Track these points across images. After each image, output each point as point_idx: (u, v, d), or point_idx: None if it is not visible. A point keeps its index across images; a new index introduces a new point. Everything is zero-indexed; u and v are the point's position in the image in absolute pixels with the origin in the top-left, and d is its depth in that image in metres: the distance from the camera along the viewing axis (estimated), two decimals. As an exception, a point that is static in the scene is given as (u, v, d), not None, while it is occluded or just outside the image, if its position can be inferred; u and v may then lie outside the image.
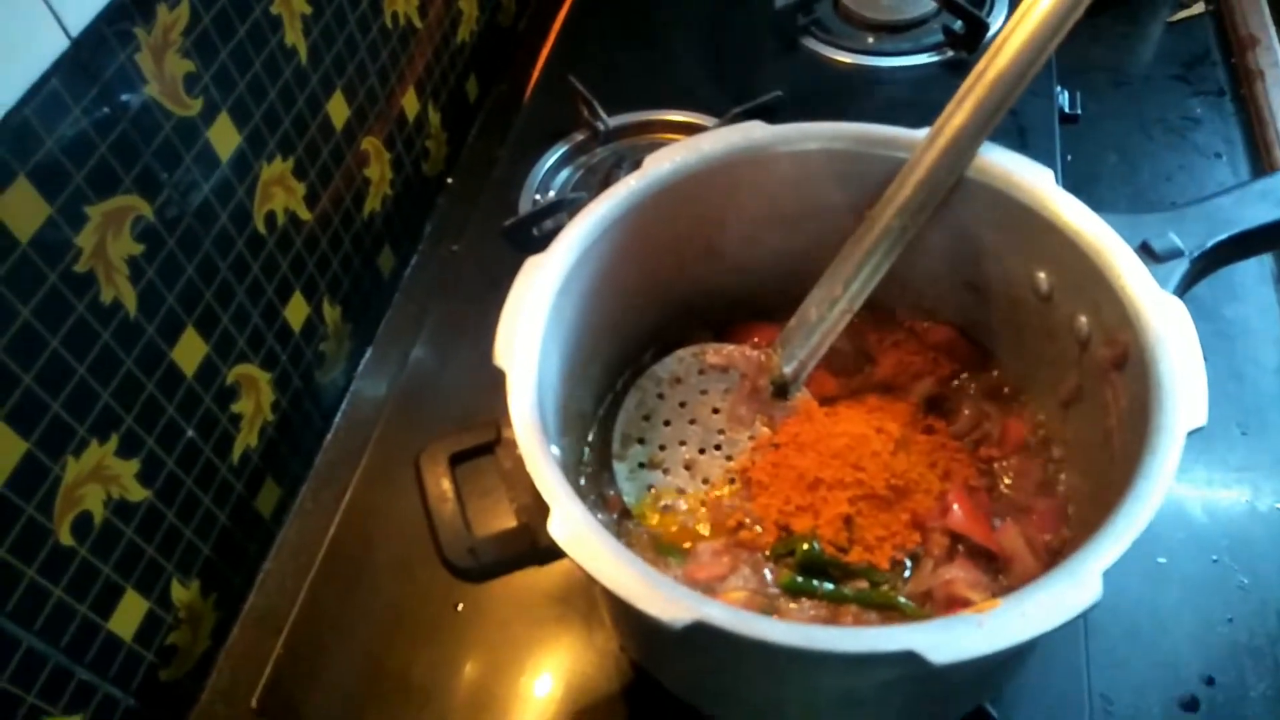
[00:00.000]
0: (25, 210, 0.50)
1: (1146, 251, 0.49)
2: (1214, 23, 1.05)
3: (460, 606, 0.62)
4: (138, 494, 0.60)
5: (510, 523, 0.43)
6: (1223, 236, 0.50)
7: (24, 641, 0.52)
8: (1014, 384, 0.59)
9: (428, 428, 0.70)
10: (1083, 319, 0.50)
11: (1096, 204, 0.51)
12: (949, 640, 0.34)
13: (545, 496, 0.39)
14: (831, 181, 0.56)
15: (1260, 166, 0.90)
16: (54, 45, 0.51)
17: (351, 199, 0.82)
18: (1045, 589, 0.36)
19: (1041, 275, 0.53)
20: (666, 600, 0.36)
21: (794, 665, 0.40)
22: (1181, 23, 1.05)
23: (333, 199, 0.79)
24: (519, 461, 0.41)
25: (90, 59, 0.53)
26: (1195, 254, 0.49)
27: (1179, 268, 0.49)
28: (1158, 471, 0.38)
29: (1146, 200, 0.89)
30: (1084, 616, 0.56)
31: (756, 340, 0.60)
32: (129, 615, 0.60)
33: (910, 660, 0.34)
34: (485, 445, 0.46)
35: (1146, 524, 0.37)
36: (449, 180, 0.97)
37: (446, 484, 0.45)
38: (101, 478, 0.57)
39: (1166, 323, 0.44)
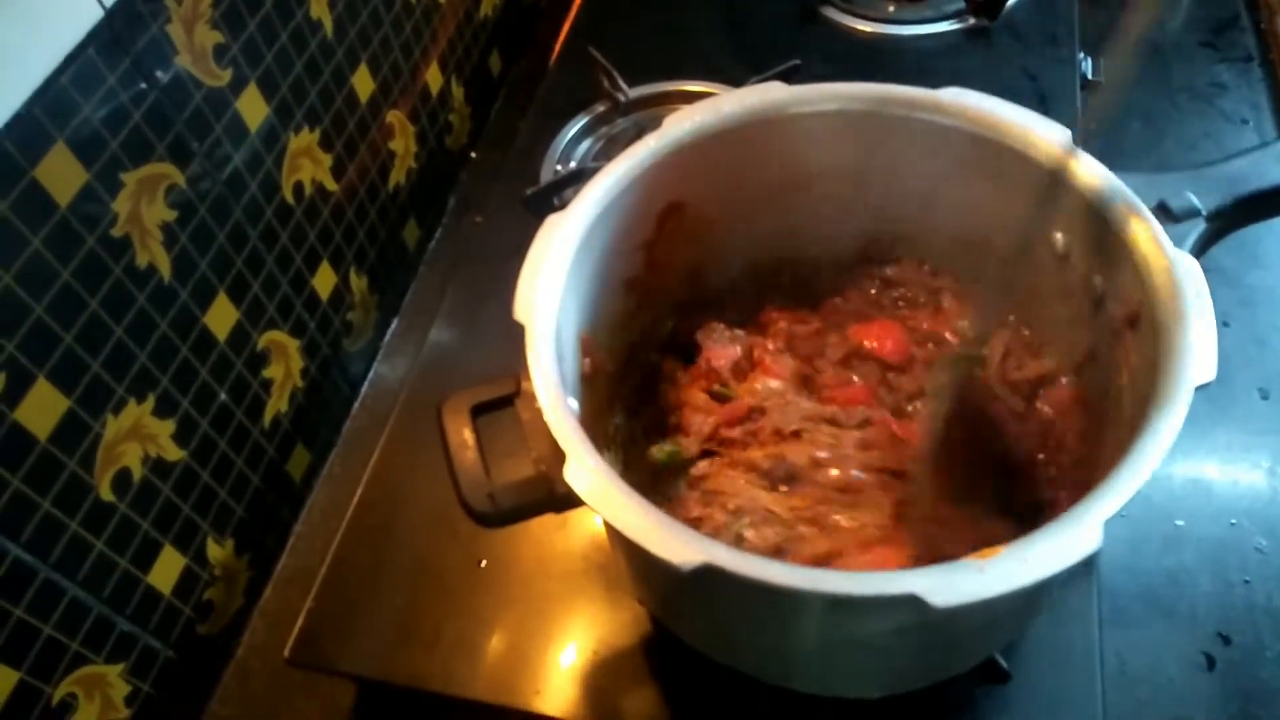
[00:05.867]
0: (64, 175, 0.52)
1: (1163, 211, 0.50)
2: (1244, -13, 1.03)
3: (484, 563, 0.64)
4: (174, 454, 0.62)
5: (528, 471, 0.45)
6: (1240, 196, 0.50)
7: (68, 591, 0.55)
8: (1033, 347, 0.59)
9: (452, 392, 0.72)
10: (1098, 279, 0.51)
11: (1119, 171, 0.51)
12: (950, 584, 0.35)
13: (562, 445, 0.41)
14: (850, 142, 0.57)
15: (1287, 131, 0.89)
16: (88, 16, 0.52)
17: (377, 171, 0.84)
18: (1047, 537, 0.37)
19: (1058, 235, 0.53)
20: (677, 543, 0.37)
21: (801, 609, 0.41)
22: (1211, -12, 1.04)
23: (359, 171, 0.81)
24: (537, 413, 0.43)
25: (123, 29, 0.55)
26: (1212, 213, 0.49)
27: (1195, 227, 0.49)
28: (1164, 424, 0.39)
29: (1171, 167, 0.89)
30: (1095, 572, 0.58)
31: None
32: (167, 570, 0.63)
33: (912, 603, 0.35)
34: (505, 398, 0.47)
35: (1149, 474, 0.38)
36: (473, 154, 0.98)
37: (468, 433, 0.46)
38: (140, 436, 0.59)
39: (1179, 280, 0.44)
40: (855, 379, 0.60)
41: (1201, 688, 0.61)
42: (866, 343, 0.61)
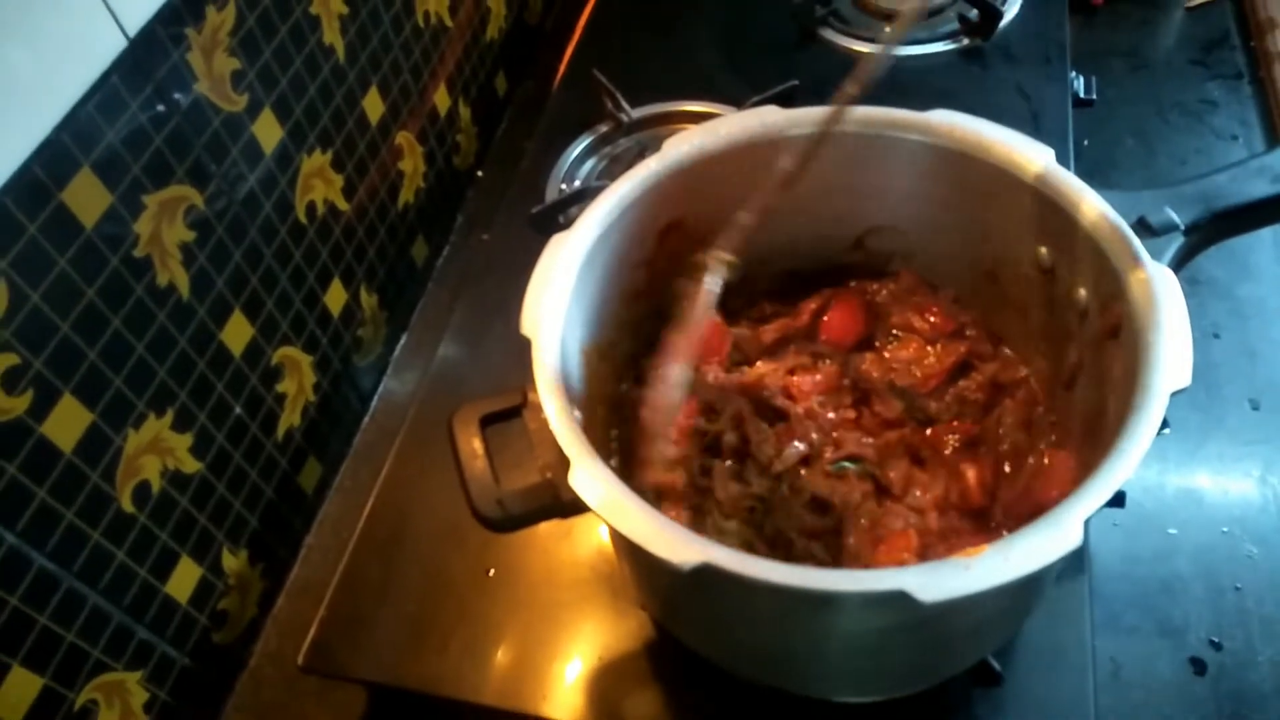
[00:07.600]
0: (89, 198, 0.54)
1: (1143, 226, 0.52)
2: (1234, 6, 1.05)
3: (492, 572, 0.65)
4: (191, 466, 0.64)
5: (536, 478, 0.47)
6: (1217, 210, 0.52)
7: (90, 600, 0.57)
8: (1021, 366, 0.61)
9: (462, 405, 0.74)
10: (1082, 291, 0.52)
11: (1111, 187, 0.53)
12: (937, 581, 0.37)
13: (567, 452, 0.43)
14: (843, 163, 0.59)
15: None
16: (113, 45, 0.55)
17: (386, 191, 0.86)
18: (1029, 536, 0.38)
19: (1043, 250, 0.55)
20: (676, 544, 0.39)
21: (795, 607, 0.42)
22: (1200, 8, 1.06)
23: (369, 191, 0.83)
24: (543, 423, 0.45)
25: (146, 58, 0.57)
26: (1190, 227, 0.51)
27: (1174, 241, 0.51)
28: (1140, 428, 0.40)
29: (1162, 183, 0.90)
30: (1088, 577, 0.60)
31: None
32: (184, 580, 0.64)
33: (901, 600, 0.37)
34: (513, 409, 0.49)
35: (1128, 476, 0.39)
36: (479, 173, 1.00)
37: (477, 443, 0.48)
38: (159, 449, 0.61)
39: (1156, 292, 0.46)
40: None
41: (1193, 692, 0.62)
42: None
